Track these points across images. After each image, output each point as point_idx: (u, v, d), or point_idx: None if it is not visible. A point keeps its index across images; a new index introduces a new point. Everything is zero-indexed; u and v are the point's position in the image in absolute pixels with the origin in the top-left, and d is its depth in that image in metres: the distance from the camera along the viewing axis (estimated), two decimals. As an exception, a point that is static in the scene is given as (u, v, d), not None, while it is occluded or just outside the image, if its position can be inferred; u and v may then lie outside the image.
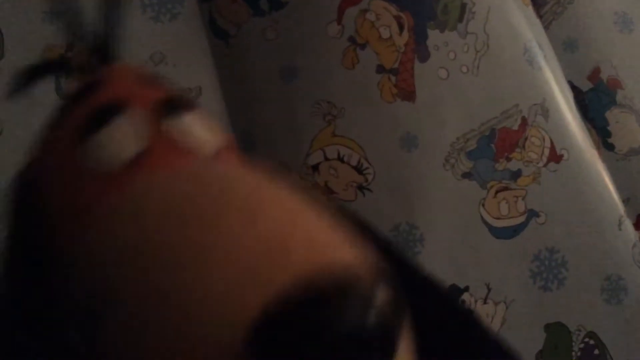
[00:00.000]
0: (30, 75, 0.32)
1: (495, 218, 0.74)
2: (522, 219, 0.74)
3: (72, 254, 0.19)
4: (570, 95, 0.85)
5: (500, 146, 0.76)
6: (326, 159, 0.73)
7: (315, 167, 0.73)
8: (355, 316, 0.15)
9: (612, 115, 0.87)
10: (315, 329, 0.15)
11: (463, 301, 0.70)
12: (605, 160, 0.83)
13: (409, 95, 0.75)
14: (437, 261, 0.70)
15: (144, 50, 0.73)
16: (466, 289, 0.71)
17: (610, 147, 0.86)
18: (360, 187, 0.72)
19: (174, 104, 0.24)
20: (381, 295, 0.16)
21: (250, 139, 0.75)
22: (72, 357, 0.18)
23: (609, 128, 0.87)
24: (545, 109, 0.78)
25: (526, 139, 0.77)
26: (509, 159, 0.76)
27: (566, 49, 0.89)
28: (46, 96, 0.70)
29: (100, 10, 0.26)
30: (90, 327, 0.17)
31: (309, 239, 0.17)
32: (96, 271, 0.18)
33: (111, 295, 0.17)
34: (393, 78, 0.76)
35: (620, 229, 0.75)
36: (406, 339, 0.17)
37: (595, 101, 0.88)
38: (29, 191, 0.23)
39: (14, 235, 0.23)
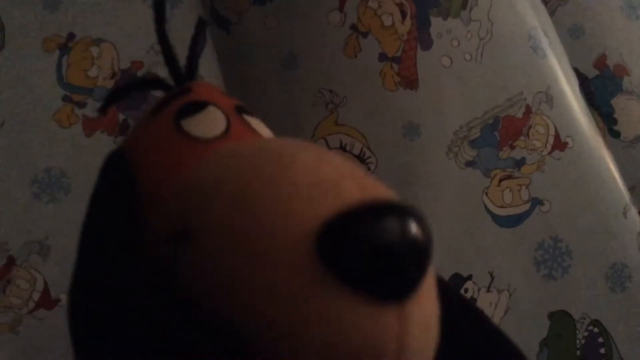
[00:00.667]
0: (133, 88, 0.40)
1: (499, 206, 0.73)
2: (526, 207, 0.74)
3: (175, 190, 0.24)
4: (575, 82, 0.84)
5: (504, 134, 0.76)
6: (328, 148, 0.73)
7: (318, 157, 0.73)
8: (403, 232, 0.19)
9: (618, 102, 0.86)
10: (370, 234, 0.18)
11: (466, 290, 0.70)
12: (610, 147, 0.82)
13: (411, 83, 0.75)
14: (440, 250, 0.70)
15: (146, 39, 0.73)
16: (469, 277, 0.71)
17: (616, 134, 0.86)
18: (363, 176, 0.72)
19: (245, 108, 0.31)
20: (420, 222, 0.19)
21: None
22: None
23: (615, 115, 0.86)
24: (549, 97, 0.77)
25: (530, 127, 0.76)
26: (512, 147, 0.75)
27: (572, 35, 0.88)
28: (47, 89, 0.71)
29: (190, 43, 0.35)
30: (179, 245, 0.21)
31: (362, 174, 0.22)
32: (196, 198, 0.22)
33: (203, 213, 0.21)
34: (395, 66, 0.75)
35: (625, 217, 0.75)
36: (432, 271, 0.21)
37: (601, 88, 0.87)
38: (127, 158, 0.29)
39: (110, 191, 0.28)
